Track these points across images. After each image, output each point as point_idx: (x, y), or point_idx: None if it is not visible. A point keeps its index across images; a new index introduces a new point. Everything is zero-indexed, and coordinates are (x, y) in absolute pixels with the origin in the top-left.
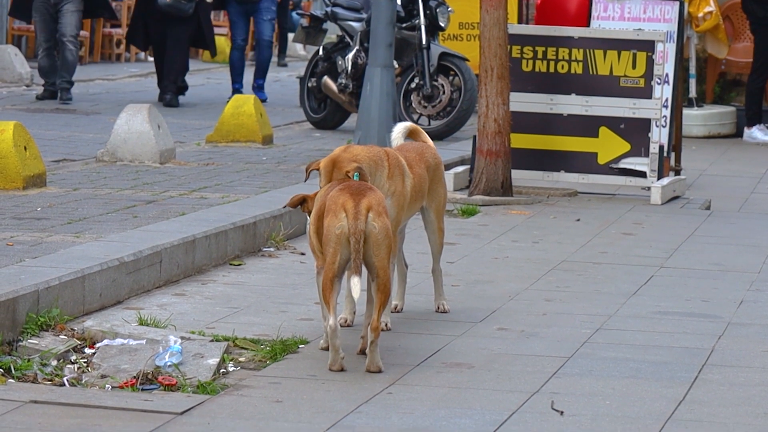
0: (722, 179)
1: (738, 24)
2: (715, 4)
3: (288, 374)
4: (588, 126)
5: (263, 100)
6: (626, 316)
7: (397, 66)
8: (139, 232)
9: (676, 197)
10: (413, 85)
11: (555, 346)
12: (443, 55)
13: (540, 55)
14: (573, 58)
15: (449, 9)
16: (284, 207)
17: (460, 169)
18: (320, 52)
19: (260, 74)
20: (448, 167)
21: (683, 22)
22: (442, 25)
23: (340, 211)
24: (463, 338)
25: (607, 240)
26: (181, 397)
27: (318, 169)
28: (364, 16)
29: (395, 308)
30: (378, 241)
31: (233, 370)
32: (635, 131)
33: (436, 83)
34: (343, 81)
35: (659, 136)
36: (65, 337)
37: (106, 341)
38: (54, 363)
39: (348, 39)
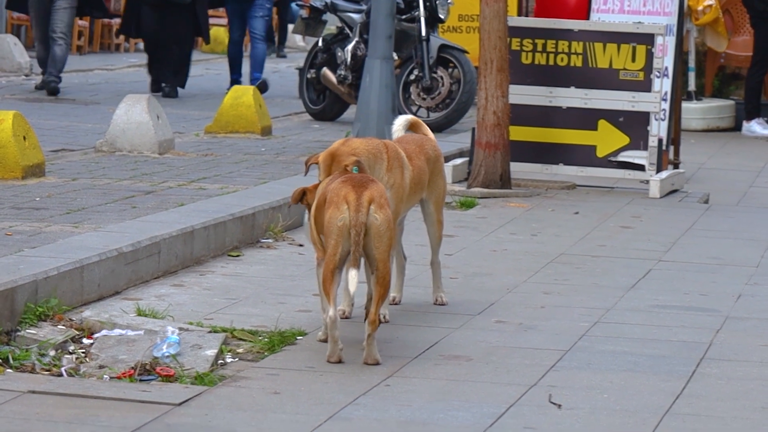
0: (721, 173)
1: (737, 17)
2: None
3: (286, 366)
4: (587, 119)
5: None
6: (624, 310)
7: (396, 58)
8: (137, 223)
9: (675, 191)
10: (412, 77)
11: (553, 339)
12: (443, 47)
13: (539, 48)
14: (572, 50)
15: (449, 1)
16: (289, 205)
17: (458, 161)
18: (320, 44)
19: (257, 68)
20: (446, 159)
21: (683, 15)
22: (442, 17)
23: (342, 203)
24: (461, 331)
25: (605, 233)
26: (178, 388)
27: (317, 163)
28: (364, 7)
29: (393, 300)
30: (379, 233)
31: (231, 361)
32: (634, 124)
33: (435, 75)
34: (343, 72)
35: (658, 129)
36: (63, 328)
37: (104, 332)
38: (52, 353)
39: (347, 30)
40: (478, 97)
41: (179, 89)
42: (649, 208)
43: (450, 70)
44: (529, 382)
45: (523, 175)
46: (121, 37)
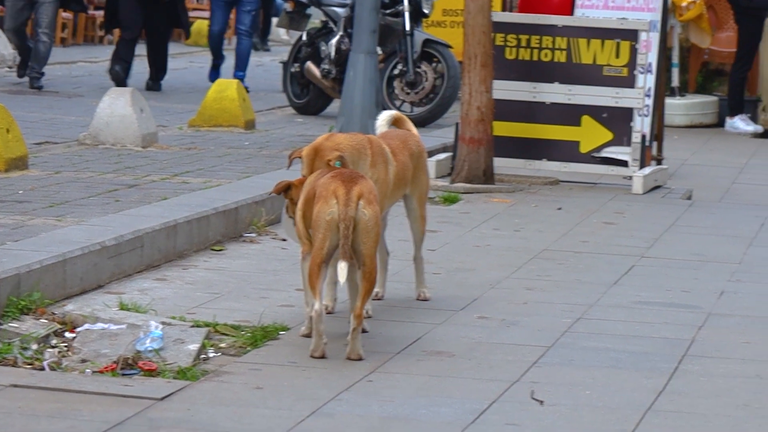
0: (704, 169)
1: (721, 14)
2: None
3: (268, 361)
4: (570, 114)
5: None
6: (607, 306)
7: (380, 52)
8: (120, 217)
9: (658, 187)
10: (396, 72)
11: (535, 335)
12: (427, 42)
13: (524, 43)
14: (556, 46)
15: None
16: (270, 194)
17: (442, 156)
18: (304, 38)
19: (240, 66)
20: (430, 154)
21: (667, 11)
22: (426, 11)
23: (331, 198)
24: (443, 326)
25: (588, 229)
26: (161, 382)
27: (301, 157)
28: (348, 1)
29: (376, 295)
30: (367, 228)
31: (214, 356)
32: (618, 120)
33: (419, 70)
34: (327, 67)
35: (641, 125)
36: (46, 321)
37: (86, 325)
38: (34, 347)
39: (332, 25)
40: (462, 93)
41: (162, 82)
42: (632, 204)
43: (434, 64)
44: (511, 378)
45: (507, 170)
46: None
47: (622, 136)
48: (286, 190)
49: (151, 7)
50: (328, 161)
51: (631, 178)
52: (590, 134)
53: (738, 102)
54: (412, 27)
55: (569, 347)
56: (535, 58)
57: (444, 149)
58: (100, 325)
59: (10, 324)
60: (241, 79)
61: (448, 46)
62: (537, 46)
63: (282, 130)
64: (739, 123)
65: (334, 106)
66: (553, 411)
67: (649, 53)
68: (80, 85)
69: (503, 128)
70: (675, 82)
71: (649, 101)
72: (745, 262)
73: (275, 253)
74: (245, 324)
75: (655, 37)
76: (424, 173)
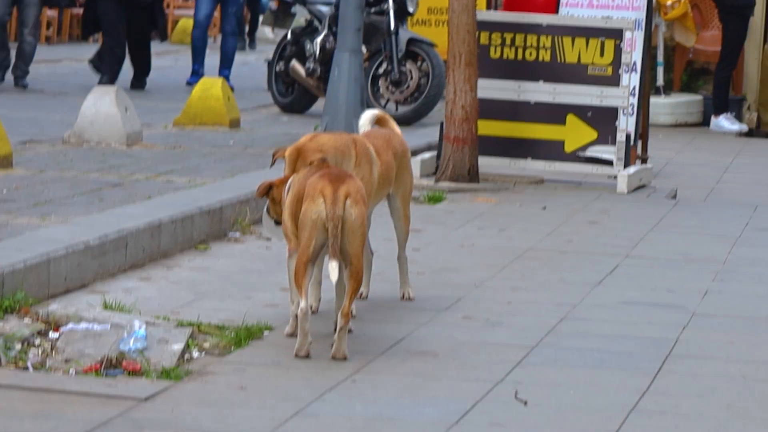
0: (689, 168)
1: (706, 12)
2: None
3: (252, 361)
4: (555, 113)
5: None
6: (591, 306)
7: (365, 51)
8: (105, 216)
9: (643, 186)
10: (381, 71)
11: (520, 335)
12: (411, 41)
13: (508, 42)
14: (541, 45)
15: None
16: (255, 198)
17: (426, 155)
18: (288, 36)
19: (225, 64)
20: (414, 153)
21: (651, 9)
22: (411, 10)
23: (318, 197)
24: (428, 326)
25: (573, 228)
26: (145, 383)
27: (284, 157)
28: (333, 0)
29: (361, 295)
30: (354, 228)
31: (198, 356)
32: (602, 119)
33: (404, 69)
34: (311, 65)
35: (626, 124)
36: (30, 321)
37: (70, 325)
38: (18, 347)
39: (316, 23)
40: (447, 92)
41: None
42: (617, 204)
43: (419, 63)
44: (495, 378)
45: (492, 169)
46: None
47: (606, 135)
48: (268, 190)
49: (131, 10)
50: (311, 162)
51: (615, 177)
52: (575, 133)
53: (723, 101)
54: (396, 25)
55: (553, 347)
56: (519, 57)
57: (429, 148)
58: (84, 325)
59: None
60: (227, 77)
61: (433, 45)
62: (521, 44)
63: (267, 128)
64: (724, 122)
65: (320, 105)
66: (536, 411)
67: (633, 52)
68: (65, 83)
69: (488, 127)
70: (660, 81)
71: (634, 100)
72: (729, 261)
73: (260, 252)
74: (229, 324)
75: (639, 36)
76: (408, 172)
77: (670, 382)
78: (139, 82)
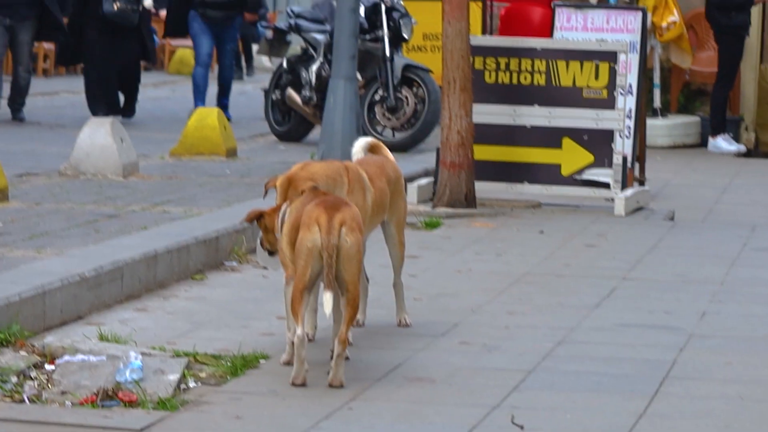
0: (687, 189)
1: (702, 33)
2: (678, 14)
3: (248, 390)
4: (551, 137)
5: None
6: (588, 329)
7: (360, 78)
8: (100, 247)
9: (640, 208)
10: (377, 97)
11: (517, 360)
12: (407, 67)
13: (503, 67)
14: (536, 69)
15: (413, 20)
16: (241, 222)
17: (423, 181)
18: (284, 65)
19: (224, 93)
20: (411, 179)
21: (646, 32)
22: (406, 36)
23: (313, 225)
24: (424, 352)
25: (570, 252)
26: (140, 413)
27: (275, 187)
28: (328, 28)
29: (357, 322)
30: (349, 255)
31: (194, 386)
32: (598, 142)
33: (400, 95)
34: (307, 93)
35: (623, 146)
36: (25, 354)
37: (66, 357)
38: (14, 379)
39: (312, 51)
40: (442, 117)
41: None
42: (614, 226)
43: (414, 89)
44: (491, 403)
45: (489, 194)
46: None
47: (603, 158)
48: (258, 218)
49: (117, 37)
50: (302, 191)
51: (613, 200)
52: (571, 157)
53: (720, 122)
54: (392, 52)
55: (550, 371)
56: (514, 81)
57: (426, 174)
58: (80, 357)
59: None
60: (225, 106)
61: (429, 71)
62: (516, 69)
63: (264, 157)
64: (722, 143)
65: (317, 133)
66: None
67: (629, 74)
68: (62, 116)
69: (484, 152)
70: (657, 102)
71: (630, 122)
72: (727, 282)
73: (257, 281)
74: (226, 353)
75: (634, 58)
76: (402, 199)
77: (668, 404)
78: (127, 110)
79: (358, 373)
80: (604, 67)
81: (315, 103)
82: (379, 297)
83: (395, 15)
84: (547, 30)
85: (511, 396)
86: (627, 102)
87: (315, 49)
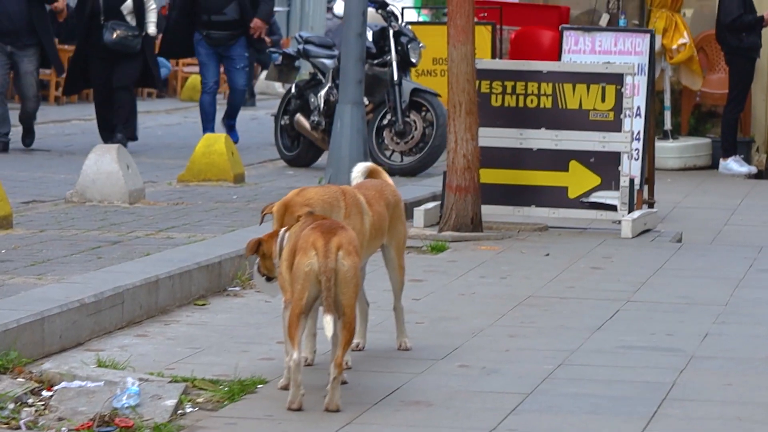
0: (696, 211)
1: (712, 55)
2: (689, 36)
3: (245, 414)
4: (558, 160)
5: (234, 142)
6: (589, 351)
7: (368, 102)
8: (101, 273)
9: (648, 230)
10: (385, 122)
11: (515, 383)
12: (415, 91)
13: (509, 90)
14: (542, 92)
15: (420, 45)
16: (246, 257)
17: (430, 205)
18: (293, 90)
19: (231, 114)
20: (419, 203)
21: (654, 54)
22: (414, 60)
23: (310, 249)
24: (423, 376)
25: (575, 274)
26: None
27: (272, 213)
28: (336, 53)
29: (357, 346)
30: (346, 279)
31: (191, 411)
32: (605, 165)
33: (408, 119)
34: (316, 118)
35: (629, 169)
36: (23, 380)
37: (63, 383)
38: (11, 406)
39: (320, 76)
40: (448, 141)
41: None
42: (621, 249)
43: (423, 113)
44: (489, 426)
45: (496, 218)
46: None
47: (610, 181)
48: (257, 247)
49: (121, 64)
50: (298, 217)
51: (620, 222)
52: (578, 179)
53: (731, 143)
54: (400, 76)
55: (548, 394)
56: (521, 104)
57: (433, 198)
58: (77, 383)
59: None
60: (231, 126)
61: (437, 95)
62: (522, 92)
63: (272, 183)
64: (733, 164)
65: (325, 158)
66: None
67: (636, 97)
68: (72, 143)
69: (491, 175)
70: (667, 124)
71: (639, 145)
72: (731, 303)
73: (259, 306)
74: (224, 378)
75: (643, 81)
76: (402, 223)
77: (665, 426)
78: (123, 139)
79: (356, 397)
80: (610, 90)
81: (324, 128)
82: (381, 321)
83: (403, 39)
84: (556, 53)
85: (508, 419)
86: (635, 124)
87: (323, 74)
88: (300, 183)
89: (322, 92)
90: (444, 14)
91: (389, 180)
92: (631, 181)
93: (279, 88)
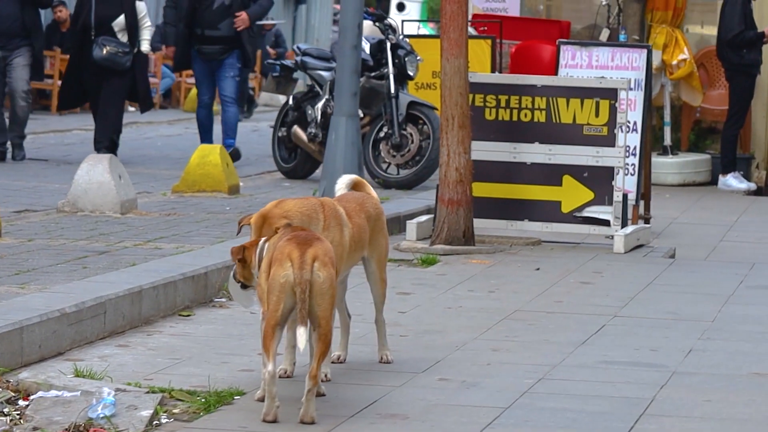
0: (692, 227)
1: (712, 71)
2: (689, 52)
3: (219, 426)
4: (551, 174)
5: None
6: (571, 366)
7: (365, 115)
8: (84, 283)
9: (641, 246)
10: (382, 135)
11: (494, 396)
12: (412, 104)
13: (503, 104)
14: (536, 106)
15: (418, 58)
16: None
17: (423, 218)
18: (290, 102)
19: (229, 133)
20: (413, 216)
21: (651, 69)
22: (411, 74)
23: (285, 261)
24: (402, 389)
25: (564, 289)
26: None
27: (250, 224)
28: (334, 65)
29: (338, 359)
30: (322, 290)
31: (166, 421)
32: (599, 179)
33: (404, 132)
34: (313, 130)
35: (623, 183)
36: (0, 389)
37: (40, 393)
38: None
39: (318, 88)
40: (441, 154)
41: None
42: (612, 264)
43: (419, 126)
44: None
45: (489, 231)
46: None
47: (603, 196)
48: (242, 252)
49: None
50: (276, 229)
51: (612, 237)
52: (571, 194)
53: (731, 160)
54: (397, 89)
55: (526, 408)
56: (514, 118)
57: (428, 211)
58: (53, 393)
59: None
60: (231, 146)
61: (434, 108)
62: (516, 106)
63: (267, 194)
64: (732, 181)
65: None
66: None
67: (631, 112)
68: (71, 152)
69: (484, 189)
70: (667, 140)
71: (635, 160)
72: (718, 319)
73: (244, 318)
74: (202, 389)
75: (639, 96)
76: (383, 236)
77: None
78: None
79: (333, 409)
80: (604, 105)
81: (320, 140)
82: (365, 333)
83: (400, 52)
84: (554, 69)
85: None
86: (631, 139)
87: (321, 87)
88: (295, 195)
89: (320, 104)
90: None
91: (373, 193)
92: (625, 196)
93: (283, 99)
